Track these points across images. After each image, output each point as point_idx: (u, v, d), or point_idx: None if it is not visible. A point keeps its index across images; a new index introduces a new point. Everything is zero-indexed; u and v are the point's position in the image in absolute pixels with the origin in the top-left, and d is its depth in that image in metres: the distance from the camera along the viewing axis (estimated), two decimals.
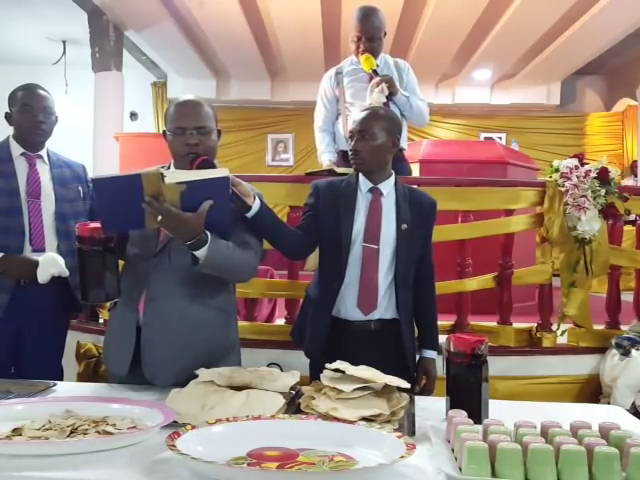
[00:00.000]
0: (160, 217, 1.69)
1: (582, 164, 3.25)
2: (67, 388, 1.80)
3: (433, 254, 2.30)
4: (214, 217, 1.74)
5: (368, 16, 3.36)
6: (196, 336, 1.91)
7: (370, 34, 3.35)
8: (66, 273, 2.36)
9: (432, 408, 1.65)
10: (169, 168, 1.99)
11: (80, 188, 2.56)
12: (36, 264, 2.34)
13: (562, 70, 9.79)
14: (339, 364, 1.59)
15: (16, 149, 2.46)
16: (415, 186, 2.53)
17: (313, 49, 8.60)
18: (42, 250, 2.40)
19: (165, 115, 2.00)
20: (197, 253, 1.76)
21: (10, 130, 2.52)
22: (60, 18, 8.21)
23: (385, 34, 3.44)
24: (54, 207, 2.46)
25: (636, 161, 9.97)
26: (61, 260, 2.36)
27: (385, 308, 2.18)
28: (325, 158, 3.47)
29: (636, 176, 9.62)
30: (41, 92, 2.48)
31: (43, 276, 2.33)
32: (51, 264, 2.34)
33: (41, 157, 2.50)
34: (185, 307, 1.91)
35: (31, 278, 2.34)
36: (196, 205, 1.71)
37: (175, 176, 1.70)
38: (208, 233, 1.76)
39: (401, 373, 1.65)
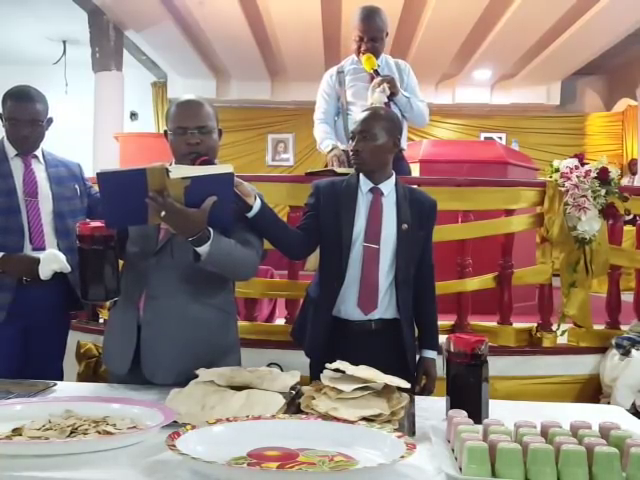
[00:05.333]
0: (164, 212, 1.69)
1: (582, 164, 3.25)
2: (67, 388, 1.80)
3: (433, 254, 2.30)
4: (217, 213, 1.74)
5: (371, 16, 3.36)
6: (195, 335, 1.90)
7: (372, 34, 3.34)
8: (68, 269, 2.35)
9: (432, 408, 1.64)
10: None
11: (77, 186, 2.55)
12: (37, 261, 2.33)
13: (562, 70, 9.79)
14: (339, 364, 1.59)
15: (11, 150, 2.46)
16: (415, 186, 2.53)
17: (313, 49, 8.60)
18: (42, 248, 2.39)
19: (166, 114, 2.00)
20: (199, 249, 1.76)
21: None
22: (60, 18, 8.22)
23: (387, 34, 3.45)
24: (52, 206, 2.45)
25: (634, 159, 9.93)
26: (62, 256, 2.36)
27: (385, 308, 2.18)
28: (327, 143, 3.44)
29: (634, 174, 9.56)
30: (28, 103, 2.40)
31: (45, 272, 2.32)
32: (53, 260, 2.34)
33: (36, 157, 2.50)
34: (185, 306, 1.91)
35: (33, 275, 2.34)
36: (200, 201, 1.71)
37: (180, 171, 1.70)
38: (211, 229, 1.76)
39: (401, 373, 1.65)
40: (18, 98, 2.42)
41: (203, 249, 1.75)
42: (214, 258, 1.77)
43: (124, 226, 1.92)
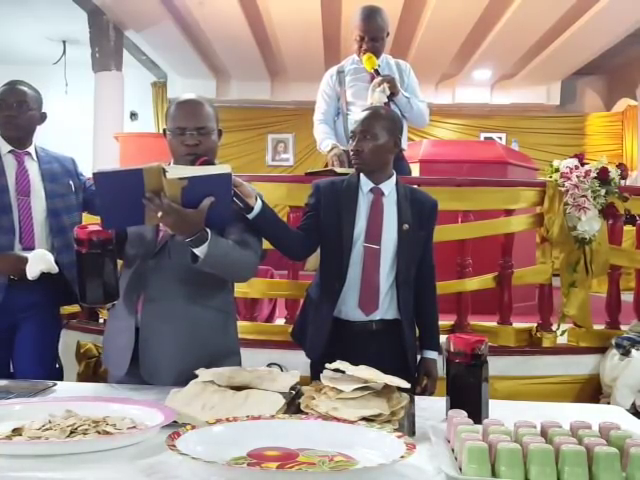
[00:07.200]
0: (160, 213, 1.69)
1: (582, 164, 3.25)
2: (67, 388, 1.80)
3: (434, 254, 2.30)
4: (215, 214, 1.73)
5: (372, 16, 3.36)
6: (194, 337, 1.90)
7: (373, 34, 3.35)
8: (55, 269, 2.33)
9: (432, 408, 1.64)
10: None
11: (71, 182, 2.54)
12: (25, 260, 2.31)
13: (562, 70, 9.79)
14: (339, 364, 1.59)
15: (4, 147, 2.45)
16: (415, 186, 2.53)
17: (313, 49, 8.60)
18: (32, 248, 2.37)
19: (166, 113, 1.99)
20: (197, 250, 1.75)
21: None
22: (60, 18, 8.22)
23: (388, 34, 3.45)
24: (45, 204, 2.44)
25: (621, 163, 9.82)
26: (50, 256, 2.34)
27: (386, 308, 2.17)
28: (327, 143, 3.44)
29: (623, 179, 9.41)
30: (20, 87, 2.46)
31: (32, 272, 2.30)
32: (40, 260, 2.31)
33: (29, 154, 2.48)
34: (183, 307, 1.90)
35: (20, 275, 2.32)
36: (197, 201, 1.70)
37: (177, 172, 1.69)
38: (208, 230, 1.75)
39: (402, 373, 1.64)
40: (9, 83, 2.47)
41: (201, 250, 1.75)
42: (212, 259, 1.77)
43: (121, 227, 1.91)
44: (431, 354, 2.23)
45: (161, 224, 1.83)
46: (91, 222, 1.99)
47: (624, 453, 1.18)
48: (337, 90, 3.52)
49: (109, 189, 1.70)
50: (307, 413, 1.46)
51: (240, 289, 2.74)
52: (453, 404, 1.52)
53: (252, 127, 10.74)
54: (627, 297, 3.49)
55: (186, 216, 1.70)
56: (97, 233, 1.80)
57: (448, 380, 1.57)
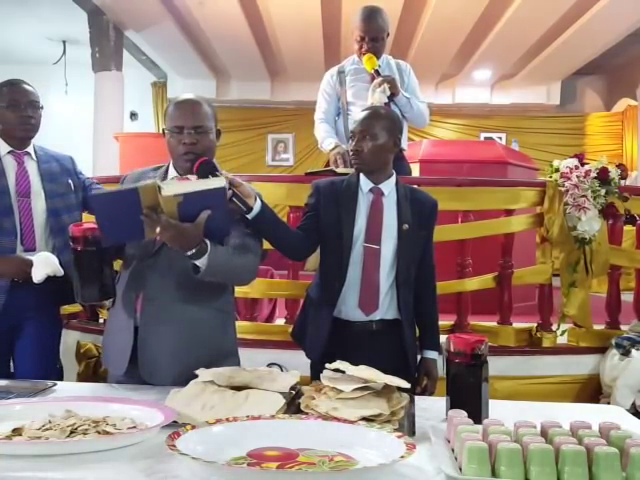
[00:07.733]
0: (159, 228, 1.69)
1: (582, 164, 3.25)
2: (67, 388, 1.80)
3: (434, 254, 2.30)
4: (212, 225, 1.75)
5: (372, 16, 3.37)
6: (193, 336, 1.90)
7: (373, 34, 3.35)
8: (61, 272, 2.32)
9: (432, 408, 1.64)
10: (168, 168, 1.99)
11: (70, 181, 2.52)
12: (30, 264, 2.30)
13: (562, 70, 9.80)
14: (339, 364, 1.59)
15: (3, 148, 2.42)
16: (415, 186, 2.53)
17: (313, 49, 8.60)
18: (33, 249, 2.36)
19: (164, 113, 1.99)
20: (198, 262, 1.76)
21: None
22: (60, 18, 8.22)
23: (388, 34, 3.46)
24: (45, 204, 2.42)
25: (622, 164, 9.81)
26: (55, 259, 2.33)
27: (386, 308, 2.17)
28: (330, 141, 3.44)
29: (623, 179, 9.39)
30: (27, 87, 2.44)
31: (38, 276, 2.29)
32: (46, 263, 2.30)
33: (29, 154, 2.47)
34: (182, 307, 1.90)
35: (26, 278, 2.31)
36: (194, 215, 1.71)
37: (172, 188, 1.70)
38: (207, 242, 1.76)
39: (402, 374, 1.64)
40: (16, 84, 2.44)
41: (201, 262, 1.75)
42: (213, 269, 1.77)
43: (123, 242, 1.92)
44: (431, 354, 2.23)
45: None
46: (87, 220, 1.99)
47: (624, 453, 1.18)
48: (337, 90, 3.52)
49: (107, 210, 1.72)
50: (307, 413, 1.46)
51: (240, 289, 2.74)
52: (453, 404, 1.52)
53: (252, 127, 10.75)
54: (627, 297, 3.49)
55: (184, 230, 1.71)
56: (92, 230, 1.80)
57: (448, 380, 1.57)
